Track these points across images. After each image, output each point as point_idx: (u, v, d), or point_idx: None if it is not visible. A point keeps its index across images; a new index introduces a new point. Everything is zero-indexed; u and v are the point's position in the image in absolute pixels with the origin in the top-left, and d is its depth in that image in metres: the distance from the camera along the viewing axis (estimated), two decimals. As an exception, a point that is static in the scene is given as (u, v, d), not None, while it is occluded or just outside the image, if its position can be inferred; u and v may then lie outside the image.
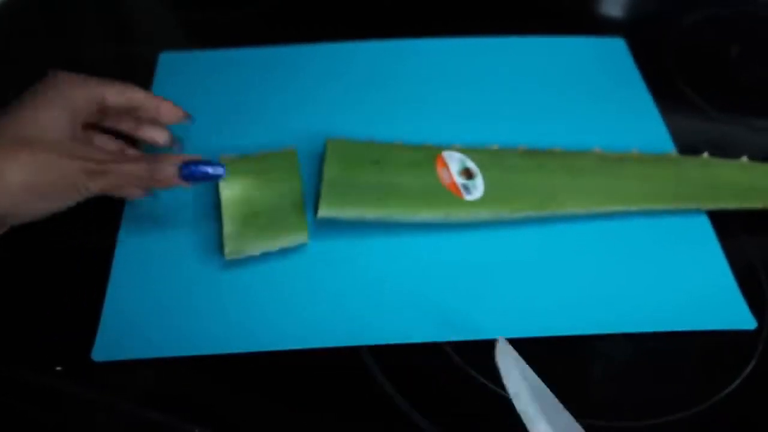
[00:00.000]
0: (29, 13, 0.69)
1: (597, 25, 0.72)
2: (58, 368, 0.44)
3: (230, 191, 0.51)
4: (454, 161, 0.53)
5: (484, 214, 0.51)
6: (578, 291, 0.48)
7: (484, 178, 0.52)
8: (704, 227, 0.53)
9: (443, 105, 0.61)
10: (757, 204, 0.54)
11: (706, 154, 0.57)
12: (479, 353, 0.45)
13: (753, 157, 0.56)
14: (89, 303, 0.47)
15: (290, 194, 0.52)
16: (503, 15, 0.72)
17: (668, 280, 0.49)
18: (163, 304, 0.47)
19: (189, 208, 0.52)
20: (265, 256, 0.49)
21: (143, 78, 0.61)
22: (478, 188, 0.52)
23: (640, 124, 0.61)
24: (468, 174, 0.52)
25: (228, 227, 0.49)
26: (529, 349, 0.46)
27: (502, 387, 0.42)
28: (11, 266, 0.50)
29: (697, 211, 0.54)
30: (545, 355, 0.46)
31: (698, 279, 0.50)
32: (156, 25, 0.71)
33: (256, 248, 0.49)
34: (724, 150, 0.59)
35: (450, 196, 0.51)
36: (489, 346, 0.46)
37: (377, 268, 0.49)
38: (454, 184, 0.51)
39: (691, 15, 0.73)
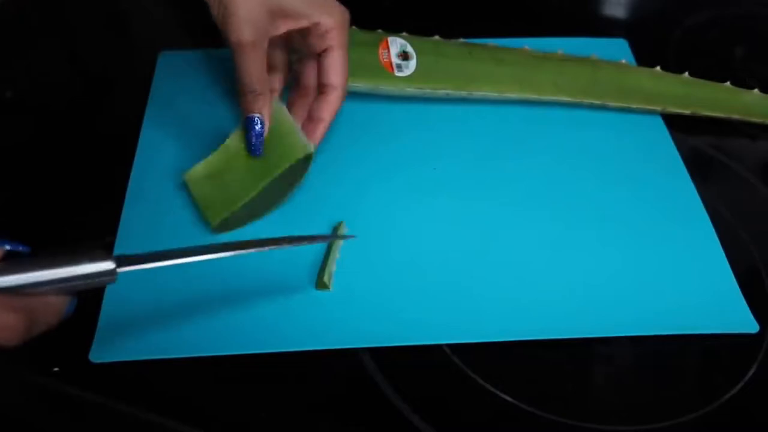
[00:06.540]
0: (28, 13, 0.69)
1: (599, 26, 0.72)
2: (56, 369, 0.44)
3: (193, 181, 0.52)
4: (396, 45, 0.60)
5: (409, 89, 0.59)
6: (580, 294, 0.48)
7: (418, 61, 0.59)
8: (706, 229, 0.53)
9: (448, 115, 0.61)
10: (658, 106, 0.60)
11: (624, 60, 0.63)
12: (478, 355, 0.45)
13: (755, 160, 0.56)
14: (87, 304, 0.46)
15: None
16: (506, 17, 0.72)
17: (670, 284, 0.49)
18: (160, 306, 0.47)
19: (185, 213, 0.52)
20: (262, 257, 0.49)
21: (143, 78, 0.61)
22: (410, 68, 0.59)
23: (640, 124, 0.60)
24: (405, 56, 0.59)
25: (204, 206, 0.51)
26: (530, 351, 0.46)
27: (502, 389, 0.42)
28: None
29: (700, 214, 0.53)
30: (547, 358, 0.46)
31: (700, 282, 0.49)
32: (156, 25, 0.71)
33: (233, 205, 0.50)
34: (728, 151, 0.59)
35: (383, 71, 0.58)
36: (488, 348, 0.46)
37: (375, 272, 0.49)
38: (389, 62, 0.59)
39: (694, 16, 0.73)
